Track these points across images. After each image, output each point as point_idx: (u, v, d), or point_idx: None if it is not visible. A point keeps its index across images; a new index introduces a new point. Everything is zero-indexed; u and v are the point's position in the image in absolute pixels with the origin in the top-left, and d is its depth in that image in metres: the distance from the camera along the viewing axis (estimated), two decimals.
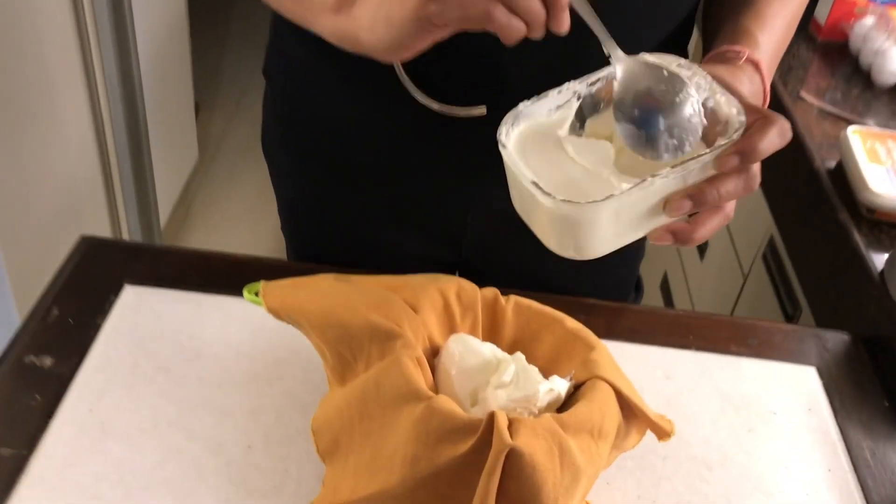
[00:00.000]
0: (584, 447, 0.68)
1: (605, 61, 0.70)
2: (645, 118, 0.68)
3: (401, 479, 0.67)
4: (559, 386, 0.72)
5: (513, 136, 0.69)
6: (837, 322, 1.19)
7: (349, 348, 0.74)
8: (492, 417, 0.65)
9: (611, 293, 1.04)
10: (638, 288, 1.12)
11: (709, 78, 0.70)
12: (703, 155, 0.67)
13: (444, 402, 0.67)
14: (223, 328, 0.90)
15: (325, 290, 0.77)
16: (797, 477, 0.83)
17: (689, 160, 0.66)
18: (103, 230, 2.13)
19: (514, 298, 0.81)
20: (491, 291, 0.80)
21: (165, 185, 2.40)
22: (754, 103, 0.70)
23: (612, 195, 0.64)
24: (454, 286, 0.79)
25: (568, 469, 0.66)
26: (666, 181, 0.66)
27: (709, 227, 0.70)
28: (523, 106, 0.69)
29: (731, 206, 0.70)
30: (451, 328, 0.78)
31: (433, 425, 0.66)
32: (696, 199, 0.67)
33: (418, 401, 0.68)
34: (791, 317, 1.39)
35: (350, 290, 0.76)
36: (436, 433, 0.66)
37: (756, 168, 0.68)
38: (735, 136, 0.67)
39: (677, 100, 0.68)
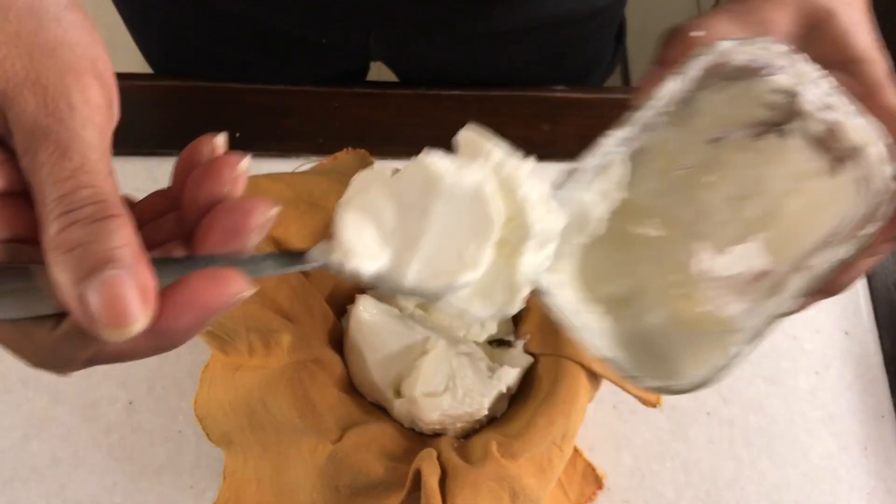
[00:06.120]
0: (544, 464, 0.52)
1: None
2: None
3: None
4: (509, 378, 0.54)
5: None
6: None
7: (221, 329, 0.54)
8: (418, 475, 0.49)
9: (584, 68, 0.77)
10: (619, 34, 0.83)
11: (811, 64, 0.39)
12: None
13: (352, 450, 0.50)
14: None
15: None
16: (809, 350, 0.68)
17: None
18: None
19: None
20: None
21: None
22: None
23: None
24: None
25: None
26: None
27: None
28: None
29: None
30: None
31: (343, 482, 0.50)
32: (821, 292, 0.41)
33: (318, 440, 0.51)
34: None
35: None
36: (348, 489, 0.50)
37: None
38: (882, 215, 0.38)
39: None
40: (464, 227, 0.34)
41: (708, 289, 0.43)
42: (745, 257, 0.43)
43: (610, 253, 0.44)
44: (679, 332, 0.42)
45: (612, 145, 0.40)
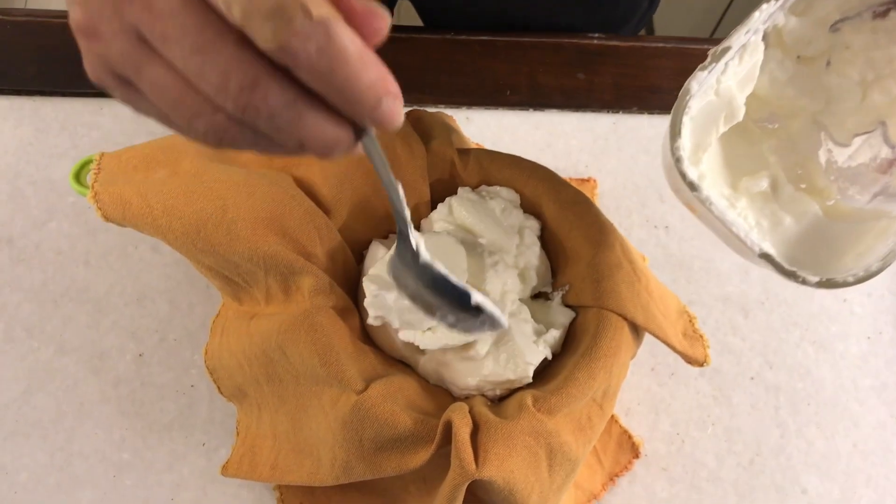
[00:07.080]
0: (583, 422, 0.49)
1: None
2: None
3: (334, 478, 0.49)
4: (552, 341, 0.50)
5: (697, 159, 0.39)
6: None
7: (237, 274, 0.50)
8: (449, 428, 0.45)
9: (620, 14, 0.73)
10: None
11: None
12: None
13: (377, 400, 0.46)
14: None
15: (186, 185, 0.49)
16: (860, 314, 0.64)
17: None
18: None
19: (475, 154, 0.53)
20: (442, 148, 0.53)
21: None
22: None
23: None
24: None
25: (560, 469, 0.47)
26: None
27: None
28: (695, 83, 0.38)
29: None
30: (384, 219, 0.53)
31: (368, 434, 0.46)
32: None
33: (341, 390, 0.47)
34: None
35: (223, 186, 0.49)
36: (372, 442, 0.46)
37: None
38: None
39: None
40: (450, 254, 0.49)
41: (837, 179, 0.41)
42: (870, 146, 0.40)
43: (742, 147, 0.42)
44: (832, 225, 0.41)
45: (760, 21, 0.38)
